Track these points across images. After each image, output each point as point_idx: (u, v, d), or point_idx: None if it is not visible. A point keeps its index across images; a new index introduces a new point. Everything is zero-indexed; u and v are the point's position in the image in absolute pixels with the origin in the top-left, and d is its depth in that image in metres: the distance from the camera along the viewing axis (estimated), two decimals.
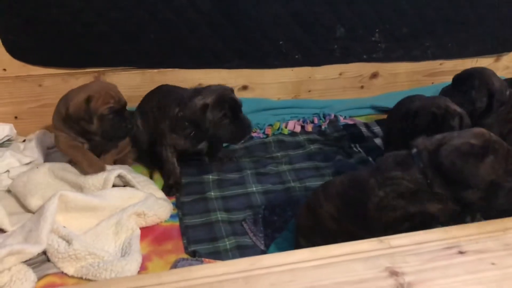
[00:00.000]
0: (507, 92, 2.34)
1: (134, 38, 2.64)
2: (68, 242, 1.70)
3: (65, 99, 2.05)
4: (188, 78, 2.76)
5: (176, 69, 2.77)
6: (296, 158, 2.50)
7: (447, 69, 3.25)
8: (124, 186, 2.07)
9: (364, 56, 3.03)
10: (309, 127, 2.82)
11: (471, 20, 3.07)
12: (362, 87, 3.14)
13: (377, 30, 2.95)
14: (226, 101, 2.14)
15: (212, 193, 2.19)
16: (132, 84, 2.70)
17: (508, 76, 3.34)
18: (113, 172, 2.02)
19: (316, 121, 2.88)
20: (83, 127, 2.00)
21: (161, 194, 2.11)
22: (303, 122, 2.87)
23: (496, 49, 3.28)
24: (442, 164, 1.39)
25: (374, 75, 3.12)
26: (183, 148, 2.26)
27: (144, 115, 2.38)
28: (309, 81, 3.04)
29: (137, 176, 2.17)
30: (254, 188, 2.22)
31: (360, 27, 2.92)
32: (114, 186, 2.04)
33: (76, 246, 1.68)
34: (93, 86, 2.03)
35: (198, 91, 2.20)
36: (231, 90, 2.26)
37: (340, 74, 3.06)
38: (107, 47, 2.63)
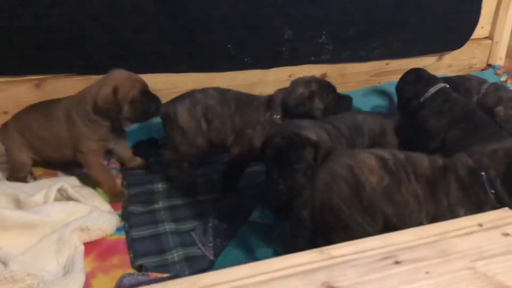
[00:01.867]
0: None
1: (76, 44, 2.55)
2: (4, 263, 1.61)
3: (85, 96, 2.13)
4: None
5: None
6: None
7: (393, 69, 3.33)
8: (67, 200, 1.99)
9: (312, 58, 3.05)
10: None
11: (415, 21, 3.16)
12: None
13: (324, 32, 2.98)
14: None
15: (161, 204, 2.14)
16: (76, 91, 2.60)
17: (451, 74, 3.46)
18: (54, 186, 1.95)
19: None
20: (112, 116, 2.09)
21: (106, 207, 2.05)
22: None
23: (439, 48, 3.39)
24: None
25: (323, 76, 3.14)
26: None
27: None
28: (260, 83, 3.03)
29: (81, 189, 2.09)
30: (203, 197, 2.19)
31: (308, 29, 2.94)
32: (56, 200, 1.96)
33: (13, 267, 1.59)
34: (116, 77, 2.12)
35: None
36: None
37: (290, 76, 3.07)
38: (47, 54, 2.53)
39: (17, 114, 2.28)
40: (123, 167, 2.40)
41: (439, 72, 3.44)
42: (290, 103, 2.24)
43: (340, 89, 3.17)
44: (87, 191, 2.11)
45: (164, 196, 2.21)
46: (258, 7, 2.78)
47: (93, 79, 2.61)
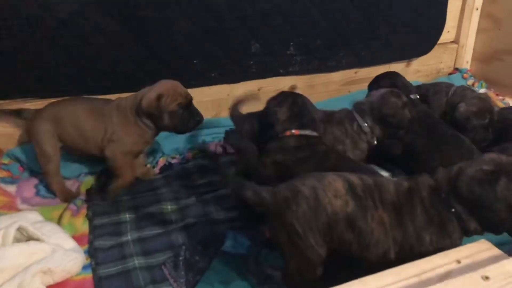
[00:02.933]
0: None
1: (32, 66, 2.43)
2: None
3: (136, 95, 2.23)
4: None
5: (85, 96, 2.57)
6: (219, 185, 2.40)
7: (362, 77, 3.32)
8: (27, 239, 1.87)
9: (281, 70, 3.00)
10: (231, 148, 2.74)
11: (382, 29, 3.15)
12: None
13: (291, 44, 2.94)
14: None
15: (129, 235, 2.04)
16: None
17: (420, 79, 3.48)
18: (13, 225, 1.82)
19: None
20: (153, 121, 2.19)
21: (71, 243, 1.93)
22: (225, 143, 2.78)
23: (407, 55, 3.40)
24: (464, 196, 1.45)
25: (292, 88, 3.11)
26: None
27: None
28: (228, 98, 2.96)
29: (42, 225, 1.97)
30: (174, 225, 2.10)
31: (275, 41, 2.89)
32: (16, 239, 1.84)
33: None
34: (163, 85, 2.20)
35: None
36: None
37: (259, 89, 3.02)
38: (2, 78, 2.39)
39: (53, 105, 2.29)
40: (88, 198, 2.29)
41: (408, 78, 3.43)
42: (386, 112, 2.26)
43: (311, 100, 3.18)
44: (50, 227, 1.99)
45: (132, 226, 2.10)
46: (223, 21, 2.70)
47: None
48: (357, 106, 2.37)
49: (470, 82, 3.52)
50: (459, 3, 3.48)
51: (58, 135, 2.25)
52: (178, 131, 2.23)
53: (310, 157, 1.93)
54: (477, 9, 3.47)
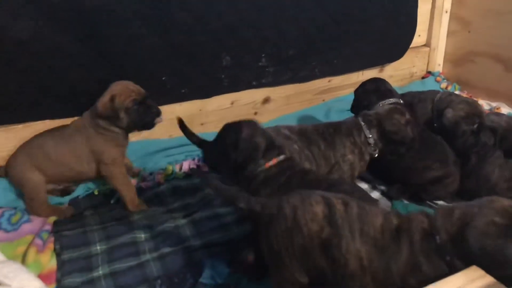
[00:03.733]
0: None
1: None
2: None
3: (93, 109, 2.25)
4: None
5: (47, 120, 2.43)
6: (195, 206, 2.30)
7: (335, 85, 3.28)
8: None
9: (254, 83, 2.92)
10: (205, 166, 2.63)
11: (354, 36, 3.11)
12: (255, 113, 3.03)
13: (263, 55, 2.86)
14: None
15: (101, 270, 1.91)
16: None
17: (394, 84, 3.44)
18: None
19: None
20: (114, 123, 2.23)
21: (36, 284, 1.79)
22: (199, 161, 2.67)
23: (380, 61, 3.37)
24: (471, 252, 1.29)
25: (266, 100, 3.04)
26: None
27: None
28: (200, 114, 2.86)
29: (4, 266, 1.81)
30: (148, 256, 1.98)
31: (246, 53, 2.80)
32: None
33: None
34: (115, 86, 2.25)
35: None
36: None
37: (232, 103, 2.93)
38: None
39: (24, 145, 2.29)
40: (55, 229, 2.15)
41: None
42: (388, 128, 2.24)
43: (285, 112, 3.12)
44: (13, 267, 1.82)
45: (104, 259, 1.97)
46: (191, 35, 2.60)
47: (13, 129, 2.38)
48: (365, 117, 2.32)
49: (443, 85, 3.52)
50: (429, 7, 3.48)
51: (41, 173, 2.24)
52: (139, 126, 2.28)
53: (291, 177, 1.85)
54: (446, 12, 3.47)
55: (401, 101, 2.43)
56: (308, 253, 1.44)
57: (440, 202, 2.27)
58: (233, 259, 1.90)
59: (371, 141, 2.25)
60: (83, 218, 2.25)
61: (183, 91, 2.73)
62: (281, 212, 1.47)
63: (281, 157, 1.88)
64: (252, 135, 1.87)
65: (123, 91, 2.22)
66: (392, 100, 2.42)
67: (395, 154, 2.26)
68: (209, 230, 2.12)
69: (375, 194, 2.39)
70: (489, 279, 1.13)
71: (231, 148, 1.87)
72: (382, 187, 2.44)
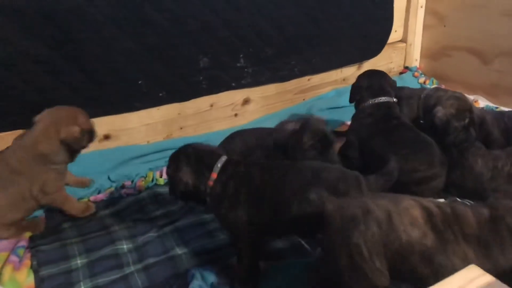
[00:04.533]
0: None
1: None
2: None
3: (27, 133, 2.08)
4: None
5: (15, 131, 2.31)
6: (178, 214, 2.22)
7: (315, 84, 3.25)
8: None
9: (233, 84, 2.86)
10: None
11: (331, 34, 3.09)
12: (236, 115, 2.97)
13: (241, 55, 2.80)
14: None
15: (82, 286, 1.81)
16: None
17: None
18: None
19: None
20: (78, 148, 2.14)
21: None
22: None
23: (358, 58, 3.36)
24: None
25: (246, 101, 2.98)
26: None
27: None
28: (179, 117, 2.79)
29: None
30: (132, 268, 1.90)
31: (224, 54, 2.75)
32: None
33: None
34: (72, 116, 2.11)
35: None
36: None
37: (211, 105, 2.86)
38: None
39: None
40: (31, 245, 2.05)
41: None
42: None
43: (265, 112, 3.08)
44: None
45: (85, 274, 1.88)
46: (166, 37, 2.53)
47: None
48: None
49: (421, 80, 3.53)
50: (404, 2, 3.49)
51: None
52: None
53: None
54: (421, 6, 3.49)
55: (388, 99, 2.38)
56: (404, 259, 1.36)
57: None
58: (221, 267, 1.83)
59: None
60: (60, 231, 2.14)
61: (160, 94, 2.65)
62: (371, 215, 1.38)
63: (218, 167, 1.77)
64: (176, 170, 1.79)
65: (84, 124, 2.11)
66: (383, 98, 2.38)
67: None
68: (195, 238, 2.05)
69: None
70: (488, 277, 1.10)
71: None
72: None
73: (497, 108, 3.03)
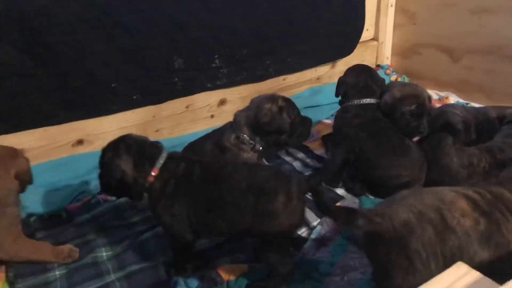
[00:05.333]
0: None
1: None
2: None
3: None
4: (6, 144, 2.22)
5: None
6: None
7: (290, 83, 3.26)
8: None
9: (209, 85, 2.83)
10: None
11: (306, 34, 3.10)
12: (212, 116, 2.95)
13: (216, 56, 2.78)
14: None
15: None
16: None
17: None
18: None
19: None
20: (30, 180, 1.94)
21: None
22: None
23: (331, 57, 3.38)
24: None
25: (222, 102, 2.96)
26: None
27: None
28: (154, 120, 2.74)
29: None
30: (113, 276, 1.85)
31: (199, 55, 2.71)
32: None
33: None
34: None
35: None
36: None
37: (187, 107, 2.83)
38: None
39: None
40: None
41: (334, 80, 3.40)
42: (263, 120, 2.11)
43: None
44: None
45: (63, 285, 1.82)
46: (140, 39, 2.48)
47: None
48: (235, 117, 2.25)
49: (393, 77, 3.59)
50: (375, 1, 3.53)
51: None
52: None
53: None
54: (392, 5, 3.54)
55: (373, 101, 2.38)
56: (464, 250, 1.37)
57: None
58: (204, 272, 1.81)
59: (246, 139, 2.15)
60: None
61: (135, 97, 2.60)
62: (424, 218, 1.38)
63: (160, 163, 1.75)
64: (114, 157, 1.74)
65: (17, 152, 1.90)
66: (368, 100, 2.38)
67: (279, 144, 2.22)
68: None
69: (341, 191, 2.38)
70: (476, 274, 1.12)
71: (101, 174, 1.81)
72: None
73: (467, 104, 3.11)
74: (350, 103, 2.38)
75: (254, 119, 2.15)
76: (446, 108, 2.44)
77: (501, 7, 2.93)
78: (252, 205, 1.62)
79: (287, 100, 2.20)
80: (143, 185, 1.73)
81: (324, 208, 1.62)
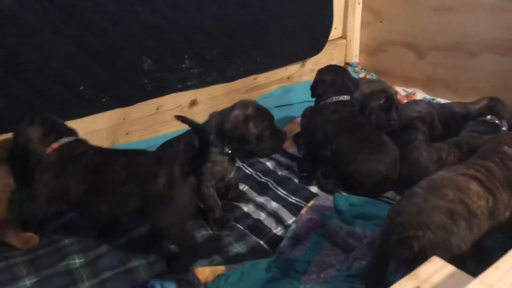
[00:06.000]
0: None
1: None
2: None
3: None
4: None
5: None
6: (130, 224, 2.13)
7: (261, 83, 3.27)
8: None
9: (179, 86, 2.81)
10: None
11: (275, 33, 3.10)
12: None
13: (186, 56, 2.75)
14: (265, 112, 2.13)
15: None
16: None
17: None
18: None
19: None
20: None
21: None
22: None
23: (300, 56, 3.40)
24: None
25: (193, 103, 2.94)
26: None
27: None
28: (124, 123, 2.70)
29: None
30: (87, 283, 1.81)
31: (168, 55, 2.68)
32: None
33: None
34: None
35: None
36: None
37: (158, 108, 2.80)
38: None
39: None
40: None
41: (304, 78, 3.49)
42: (226, 126, 2.07)
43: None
44: None
45: None
46: (108, 40, 2.42)
47: None
48: (209, 118, 2.20)
49: (362, 75, 3.64)
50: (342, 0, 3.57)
51: None
52: None
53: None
54: (359, 4, 3.59)
55: (346, 98, 2.42)
56: (482, 229, 1.51)
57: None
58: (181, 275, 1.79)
59: (214, 141, 2.07)
60: (3, 251, 2.00)
61: (103, 100, 2.54)
62: (456, 215, 1.47)
63: (63, 140, 1.93)
64: (27, 125, 1.95)
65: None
66: (345, 97, 2.41)
67: (244, 153, 2.14)
68: (151, 247, 1.99)
69: (314, 189, 2.40)
70: (450, 267, 1.15)
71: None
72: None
73: (433, 99, 3.19)
74: (328, 100, 2.41)
75: (220, 123, 2.11)
76: (407, 106, 2.56)
77: (461, 4, 3.01)
78: (135, 191, 1.76)
79: (259, 110, 2.11)
80: (41, 154, 1.90)
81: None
